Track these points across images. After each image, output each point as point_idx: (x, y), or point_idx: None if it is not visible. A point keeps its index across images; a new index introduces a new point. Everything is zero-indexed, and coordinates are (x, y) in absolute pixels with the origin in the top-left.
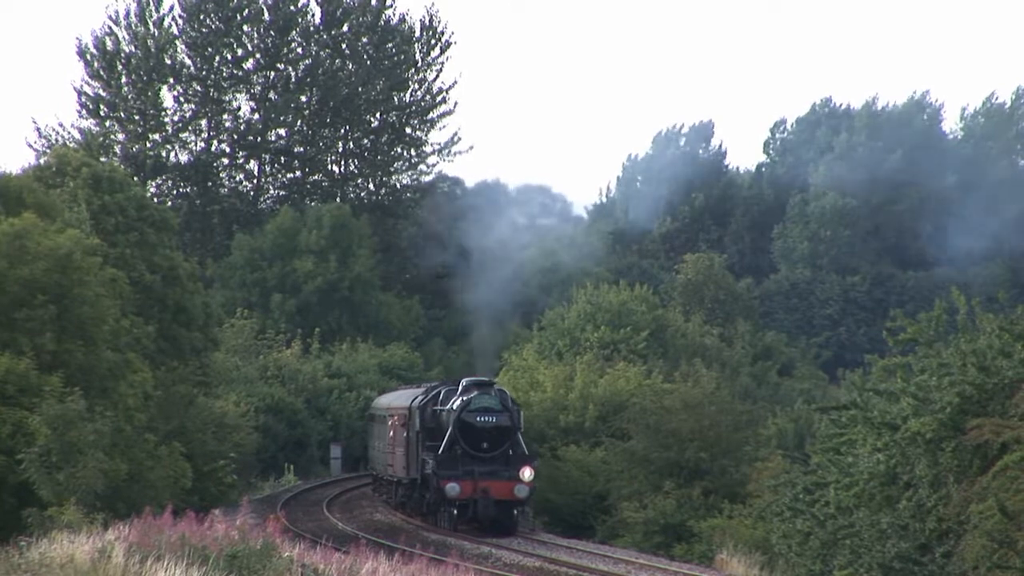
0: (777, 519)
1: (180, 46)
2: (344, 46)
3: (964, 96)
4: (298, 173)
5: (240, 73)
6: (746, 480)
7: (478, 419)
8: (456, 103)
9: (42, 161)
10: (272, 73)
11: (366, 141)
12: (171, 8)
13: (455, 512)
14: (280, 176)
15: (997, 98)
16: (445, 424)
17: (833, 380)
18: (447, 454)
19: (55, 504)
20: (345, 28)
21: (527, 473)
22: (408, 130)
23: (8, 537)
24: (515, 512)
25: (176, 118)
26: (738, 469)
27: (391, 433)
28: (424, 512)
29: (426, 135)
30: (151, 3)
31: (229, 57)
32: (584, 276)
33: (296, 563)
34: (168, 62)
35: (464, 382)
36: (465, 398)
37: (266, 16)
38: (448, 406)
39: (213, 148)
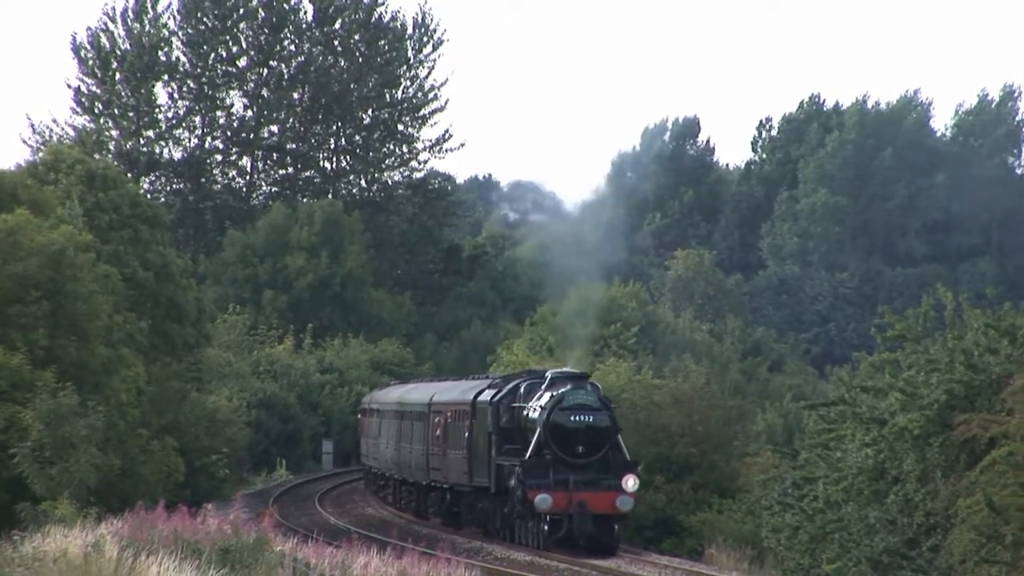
0: (766, 513)
1: (175, 43)
2: (336, 43)
3: (954, 95)
4: (290, 170)
5: (234, 70)
6: (736, 475)
7: (572, 418)
8: (447, 100)
9: (37, 157)
10: (265, 70)
11: (358, 138)
12: (168, 6)
13: (546, 528)
14: (272, 173)
15: (987, 96)
16: (527, 424)
17: (822, 376)
18: (535, 460)
19: (48, 499)
20: (337, 25)
21: (631, 482)
22: (400, 127)
23: (2, 531)
24: (615, 528)
25: (170, 115)
26: (728, 464)
27: (437, 432)
28: (498, 526)
29: (418, 132)
30: (148, 1)
31: (224, 54)
32: (575, 272)
33: (288, 557)
34: (163, 59)
35: (550, 374)
36: (555, 393)
37: (261, 14)
38: (533, 403)
39: (206, 145)
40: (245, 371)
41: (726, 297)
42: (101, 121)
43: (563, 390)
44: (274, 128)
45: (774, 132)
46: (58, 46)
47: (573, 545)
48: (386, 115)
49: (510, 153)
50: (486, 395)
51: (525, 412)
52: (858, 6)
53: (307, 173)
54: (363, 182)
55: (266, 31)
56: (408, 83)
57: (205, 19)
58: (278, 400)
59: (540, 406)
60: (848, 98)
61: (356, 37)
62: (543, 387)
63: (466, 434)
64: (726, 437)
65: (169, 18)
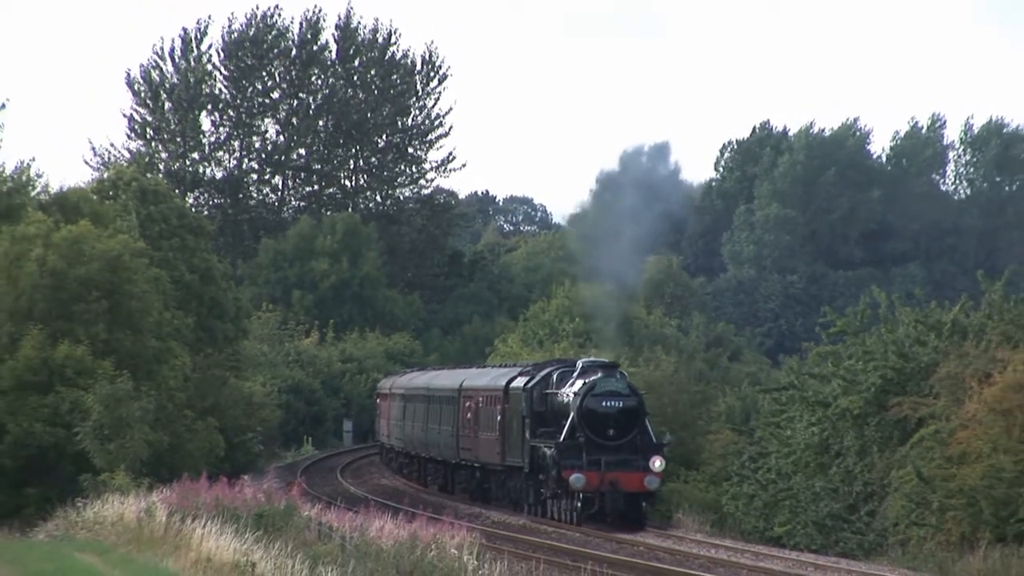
0: (726, 483)
1: (217, 78)
2: (356, 78)
3: (889, 122)
4: (316, 187)
5: (268, 101)
6: (700, 450)
7: (603, 403)
8: (451, 126)
9: (105, 176)
10: (295, 101)
11: (374, 159)
12: (210, 46)
13: (579, 505)
14: (300, 189)
15: (918, 123)
16: (560, 408)
17: (775, 364)
18: (569, 442)
19: (107, 470)
20: (357, 63)
21: (657, 463)
22: (410, 150)
23: (67, 499)
24: (644, 505)
25: (212, 140)
26: (693, 440)
27: (468, 415)
28: (531, 502)
29: (425, 154)
30: (193, 40)
31: (259, 87)
32: (562, 275)
33: (314, 521)
34: (206, 91)
35: (582, 363)
36: (587, 380)
37: (292, 53)
38: (566, 389)
39: (244, 166)
40: (277, 361)
41: (692, 296)
42: (152, 145)
43: (595, 377)
44: (302, 151)
45: (734, 154)
46: (114, 80)
47: (603, 521)
48: (398, 140)
49: (506, 171)
50: (519, 381)
51: (558, 398)
52: (804, 44)
53: (330, 190)
54: (378, 197)
55: (296, 67)
56: (417, 112)
57: (244, 57)
58: (305, 386)
59: (573, 392)
60: (796, 124)
61: (373, 72)
62: (575, 375)
63: (499, 417)
64: (692, 417)
65: (212, 56)
